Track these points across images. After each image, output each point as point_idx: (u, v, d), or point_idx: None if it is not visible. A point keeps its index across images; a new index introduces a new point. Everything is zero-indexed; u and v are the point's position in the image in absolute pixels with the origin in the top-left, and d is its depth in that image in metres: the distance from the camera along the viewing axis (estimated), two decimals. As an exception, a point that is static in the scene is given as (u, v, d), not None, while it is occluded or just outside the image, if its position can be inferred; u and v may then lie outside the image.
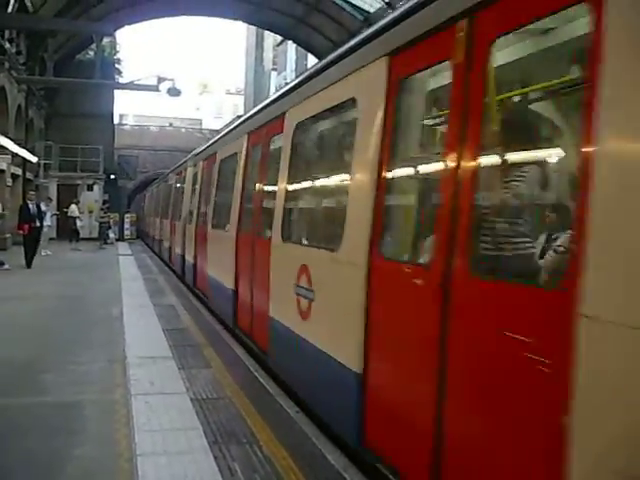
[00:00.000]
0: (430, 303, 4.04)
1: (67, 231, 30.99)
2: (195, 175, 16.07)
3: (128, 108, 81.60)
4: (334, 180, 6.82)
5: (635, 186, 2.71)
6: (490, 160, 4.07)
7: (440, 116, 4.88)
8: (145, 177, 50.31)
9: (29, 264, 19.90)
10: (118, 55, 45.50)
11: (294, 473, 4.87)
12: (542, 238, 4.25)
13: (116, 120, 49.24)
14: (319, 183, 7.46)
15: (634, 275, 2.70)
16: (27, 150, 28.63)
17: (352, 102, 5.70)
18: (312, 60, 46.57)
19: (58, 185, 37.23)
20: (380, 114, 5.01)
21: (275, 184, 7.87)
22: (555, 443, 2.96)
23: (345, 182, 5.88)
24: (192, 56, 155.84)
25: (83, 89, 35.60)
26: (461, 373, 3.79)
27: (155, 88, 23.82)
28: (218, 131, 24.59)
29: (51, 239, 27.81)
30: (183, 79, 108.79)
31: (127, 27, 38.15)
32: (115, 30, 31.91)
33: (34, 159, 30.96)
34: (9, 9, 23.14)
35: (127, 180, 49.74)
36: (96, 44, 25.64)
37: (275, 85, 67.36)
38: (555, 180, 4.10)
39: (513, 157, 4.08)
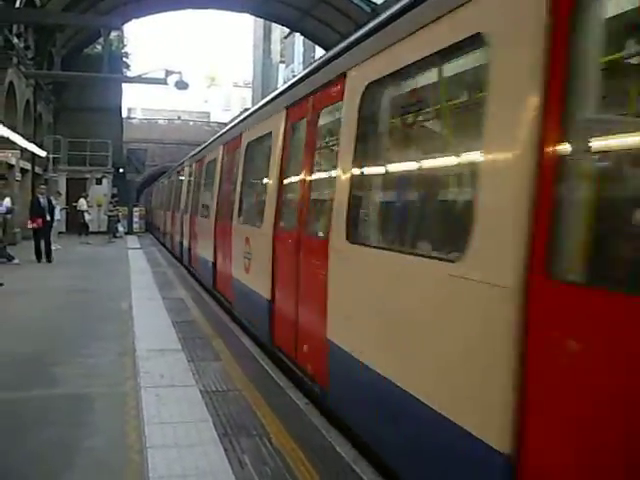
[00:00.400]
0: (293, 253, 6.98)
1: (76, 225, 31.07)
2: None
3: (136, 102, 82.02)
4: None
5: None
6: (315, 175, 7.03)
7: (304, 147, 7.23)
8: (153, 170, 50.41)
9: (48, 257, 20.09)
10: (126, 49, 45.59)
11: (304, 465, 4.87)
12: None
13: (124, 114, 49.31)
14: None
15: None
16: (36, 144, 28.70)
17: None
18: (320, 52, 46.49)
19: (67, 179, 37.32)
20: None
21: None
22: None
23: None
24: (200, 49, 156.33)
25: (91, 83, 35.64)
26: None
27: (163, 81, 23.77)
28: (226, 123, 24.57)
29: (60, 233, 27.90)
30: (191, 72, 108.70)
31: (134, 21, 38.16)
32: (122, 24, 31.87)
33: (43, 153, 31.03)
34: (17, 4, 23.16)
35: (136, 174, 49.82)
36: (104, 38, 25.58)
37: (283, 77, 67.27)
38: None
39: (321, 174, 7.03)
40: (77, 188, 35.01)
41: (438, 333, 3.96)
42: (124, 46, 45.02)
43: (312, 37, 42.98)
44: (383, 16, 5.22)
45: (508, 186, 3.39)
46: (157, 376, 7.18)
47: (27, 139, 26.16)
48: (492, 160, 3.61)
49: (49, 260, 20.04)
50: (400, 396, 4.29)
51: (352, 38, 5.95)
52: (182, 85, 24.50)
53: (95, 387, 6.86)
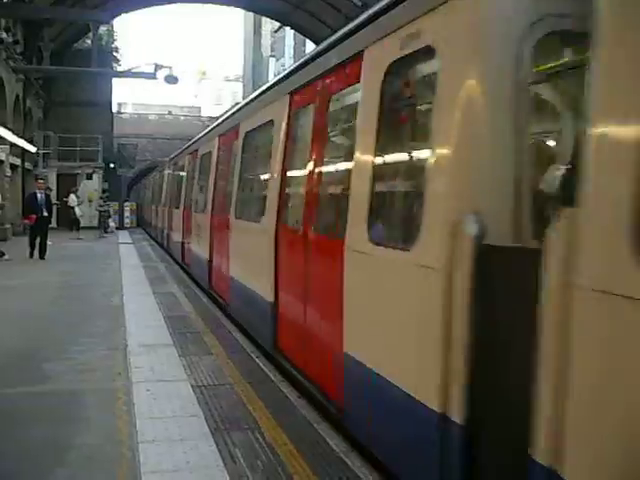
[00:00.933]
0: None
1: (67, 220, 30.99)
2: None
3: (127, 97, 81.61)
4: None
5: None
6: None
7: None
8: (145, 165, 50.28)
9: (42, 254, 19.57)
10: (115, 43, 45.37)
11: (296, 459, 4.87)
12: None
13: (115, 109, 49.17)
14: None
15: None
16: (26, 140, 28.62)
17: None
18: (310, 46, 46.42)
19: (57, 175, 37.20)
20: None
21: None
22: None
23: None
24: (190, 44, 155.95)
25: (81, 78, 35.61)
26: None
27: (153, 76, 23.76)
28: (217, 117, 24.53)
29: (51, 228, 27.80)
30: (181, 67, 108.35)
31: (124, 15, 38.02)
32: (112, 18, 31.78)
33: (33, 149, 30.95)
34: (5, -2, 23.07)
35: (126, 169, 49.68)
36: (93, 32, 25.54)
37: (274, 71, 67.18)
38: None
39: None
40: (68, 183, 34.89)
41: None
42: (114, 41, 44.83)
43: (302, 31, 42.93)
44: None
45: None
46: (148, 371, 7.16)
47: (17, 134, 26.08)
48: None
49: (42, 257, 19.54)
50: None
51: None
52: (172, 79, 24.47)
53: (86, 383, 6.84)
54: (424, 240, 3.96)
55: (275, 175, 7.70)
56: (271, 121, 8.17)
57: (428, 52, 4.13)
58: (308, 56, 7.23)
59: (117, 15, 34.65)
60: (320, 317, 6.05)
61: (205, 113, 71.21)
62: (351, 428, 5.19)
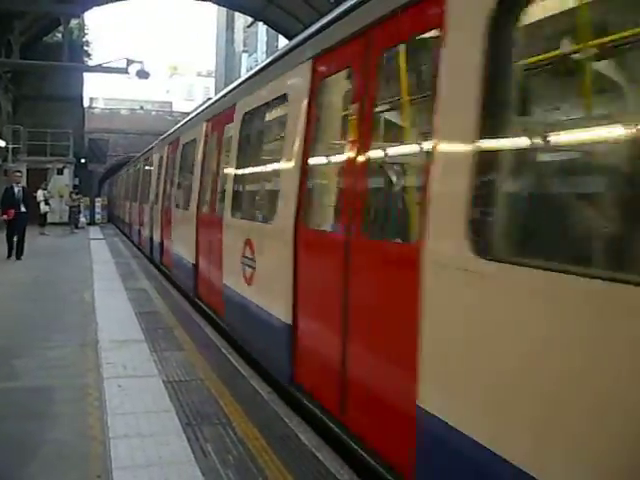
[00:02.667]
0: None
1: (36, 216, 30.71)
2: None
3: (98, 91, 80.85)
4: None
5: None
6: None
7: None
8: (116, 160, 49.91)
9: (19, 254, 17.95)
10: (87, 37, 44.91)
11: (267, 453, 4.91)
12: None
13: (86, 103, 48.68)
14: None
15: None
16: (-6, 134, 28.27)
17: None
18: (283, 41, 46.33)
19: (27, 169, 36.71)
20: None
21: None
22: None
23: None
24: (162, 38, 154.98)
25: (51, 72, 35.16)
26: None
27: (124, 71, 23.60)
28: (188, 113, 24.38)
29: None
30: (153, 62, 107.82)
31: (95, 9, 37.61)
32: (83, 12, 31.50)
33: (2, 143, 30.61)
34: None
35: (98, 164, 49.25)
36: (63, 26, 25.31)
37: (246, 67, 66.99)
38: None
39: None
40: (38, 178, 34.47)
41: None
42: (85, 35, 44.34)
43: (275, 26, 42.81)
44: None
45: None
46: (120, 367, 7.15)
47: (-15, 129, 25.76)
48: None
49: (19, 257, 17.95)
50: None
51: None
52: (143, 74, 24.32)
53: (57, 379, 6.80)
54: None
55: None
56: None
57: None
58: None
59: (88, 9, 34.26)
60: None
61: (177, 108, 70.84)
62: None
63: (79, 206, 34.96)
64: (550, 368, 2.84)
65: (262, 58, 56.61)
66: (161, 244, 15.86)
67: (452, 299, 3.54)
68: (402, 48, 4.68)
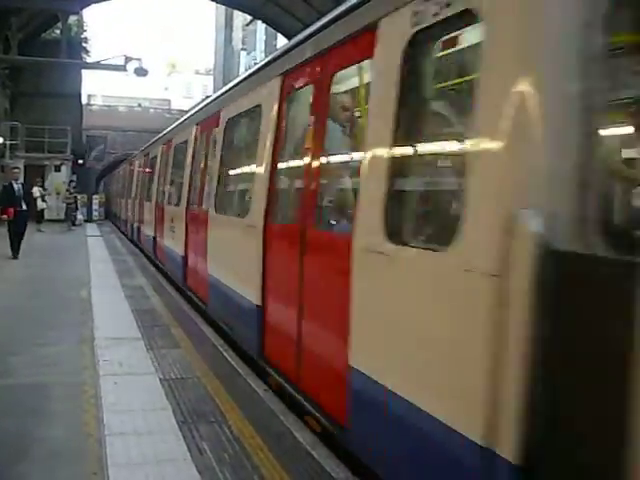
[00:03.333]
0: None
1: (33, 213, 30.70)
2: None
3: (97, 88, 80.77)
4: None
5: None
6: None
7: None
8: (114, 158, 49.85)
9: (16, 253, 17.50)
10: (85, 34, 44.90)
11: (262, 451, 4.91)
12: None
13: (84, 100, 48.70)
14: None
15: None
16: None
17: None
18: (282, 40, 46.33)
19: (25, 166, 36.68)
20: None
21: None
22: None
23: None
24: (161, 36, 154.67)
25: (49, 69, 35.15)
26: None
27: (122, 68, 23.60)
28: (187, 111, 24.23)
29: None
30: (151, 59, 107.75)
31: (94, 5, 37.57)
32: (81, 8, 31.45)
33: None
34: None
35: (96, 161, 49.22)
36: (62, 23, 25.27)
37: (244, 65, 66.97)
38: None
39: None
40: (35, 175, 34.46)
41: None
42: (83, 31, 44.36)
43: (274, 25, 42.81)
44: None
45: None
46: (116, 364, 7.15)
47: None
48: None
49: (16, 255, 17.50)
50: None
51: None
52: (142, 72, 24.31)
53: (53, 376, 6.79)
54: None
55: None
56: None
57: None
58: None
59: (87, 5, 34.24)
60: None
61: (175, 106, 70.78)
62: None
63: (76, 203, 34.94)
64: (429, 327, 3.68)
65: (261, 57, 56.53)
66: (154, 239, 16.44)
67: (372, 276, 4.36)
68: (347, 71, 5.55)
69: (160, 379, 6.66)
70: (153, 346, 7.99)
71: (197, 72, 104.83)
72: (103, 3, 38.35)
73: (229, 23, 77.19)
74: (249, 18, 60.81)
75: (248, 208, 7.38)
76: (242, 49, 73.58)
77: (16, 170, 19.44)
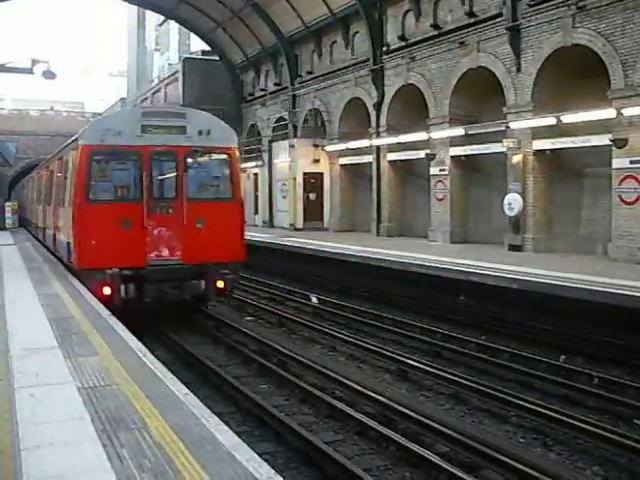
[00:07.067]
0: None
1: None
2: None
3: (5, 92, 78.37)
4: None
5: None
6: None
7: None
8: (26, 163, 48.50)
9: None
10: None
11: (184, 456, 4.85)
12: None
13: (-9, 105, 47.20)
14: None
15: None
16: None
17: None
18: (195, 40, 45.90)
19: None
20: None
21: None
22: None
23: None
24: (73, 38, 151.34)
25: (-47, 73, 33.91)
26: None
27: (29, 70, 22.97)
28: (100, 113, 23.62)
29: None
30: (63, 61, 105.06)
31: (0, 4, 36.49)
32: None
33: None
34: None
35: (7, 167, 47.81)
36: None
37: (158, 66, 66.10)
38: None
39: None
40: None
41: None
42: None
43: (187, 25, 42.37)
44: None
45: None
46: (32, 375, 6.95)
47: None
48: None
49: None
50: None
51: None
52: (49, 75, 23.70)
53: (-36, 391, 6.57)
54: None
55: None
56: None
57: None
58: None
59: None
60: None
61: (89, 109, 69.38)
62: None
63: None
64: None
65: (175, 57, 55.91)
66: (54, 236, 20.10)
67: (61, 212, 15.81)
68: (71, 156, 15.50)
69: (78, 388, 6.51)
70: (71, 354, 7.81)
71: (111, 74, 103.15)
72: (8, 2, 37.31)
73: (142, 23, 76.01)
74: (162, 18, 60.00)
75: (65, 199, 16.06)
76: (156, 49, 72.56)
77: None
